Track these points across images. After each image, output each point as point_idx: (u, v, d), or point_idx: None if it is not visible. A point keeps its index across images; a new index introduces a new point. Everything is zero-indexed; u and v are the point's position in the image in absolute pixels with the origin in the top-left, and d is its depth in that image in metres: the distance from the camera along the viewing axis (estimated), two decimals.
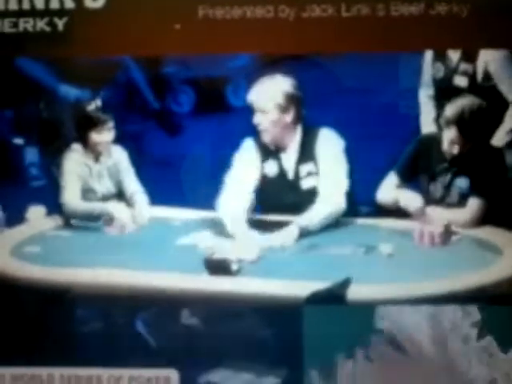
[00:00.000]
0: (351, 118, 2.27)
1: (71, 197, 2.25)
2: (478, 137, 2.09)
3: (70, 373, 1.88)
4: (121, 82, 2.33)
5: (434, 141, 2.16)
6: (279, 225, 2.13)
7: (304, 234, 2.09)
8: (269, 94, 2.13)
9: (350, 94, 2.26)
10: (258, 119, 2.16)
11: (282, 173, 2.21)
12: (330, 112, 2.26)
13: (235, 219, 2.12)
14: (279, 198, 2.21)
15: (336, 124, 2.20)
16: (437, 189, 2.15)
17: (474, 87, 2.18)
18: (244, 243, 2.06)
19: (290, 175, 2.21)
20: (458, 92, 2.17)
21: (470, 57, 2.17)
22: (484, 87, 2.17)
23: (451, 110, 2.09)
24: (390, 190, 2.17)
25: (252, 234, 2.10)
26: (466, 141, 2.08)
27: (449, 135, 2.09)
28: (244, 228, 2.11)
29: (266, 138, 2.19)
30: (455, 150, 2.09)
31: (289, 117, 2.17)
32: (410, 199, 2.12)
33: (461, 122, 2.07)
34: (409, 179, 2.18)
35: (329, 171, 2.17)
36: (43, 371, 1.89)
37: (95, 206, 2.26)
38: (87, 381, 1.88)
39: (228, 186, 2.18)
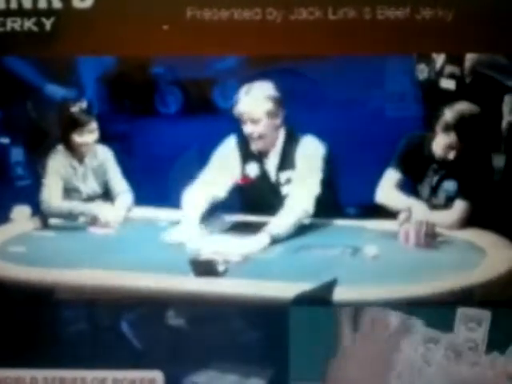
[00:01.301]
0: (338, 120, 2.32)
1: (51, 196, 2.27)
2: (475, 143, 2.13)
3: (54, 375, 1.89)
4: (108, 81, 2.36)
5: (424, 141, 2.20)
6: (254, 227, 2.16)
7: (275, 240, 2.13)
8: (258, 103, 2.19)
9: (336, 97, 2.31)
10: (249, 129, 2.20)
11: (264, 175, 2.26)
12: (317, 114, 2.30)
13: (189, 217, 2.15)
14: (260, 199, 2.26)
15: (322, 126, 2.26)
16: (423, 189, 2.20)
17: (462, 89, 2.23)
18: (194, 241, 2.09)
19: (272, 179, 2.26)
20: (445, 94, 2.22)
21: (456, 59, 2.23)
22: (473, 89, 2.22)
23: (451, 114, 2.12)
24: (389, 188, 2.19)
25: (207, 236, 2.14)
26: (463, 146, 2.12)
27: (447, 140, 2.13)
28: (194, 229, 2.14)
29: (258, 145, 2.23)
30: (451, 155, 2.14)
31: (278, 120, 2.22)
32: (400, 203, 2.15)
33: (460, 127, 2.11)
34: (407, 171, 2.20)
35: (301, 176, 2.22)
36: (26, 374, 1.89)
37: (75, 206, 2.28)
38: (72, 383, 1.89)
39: (198, 180, 2.22)
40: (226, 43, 1.94)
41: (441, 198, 2.17)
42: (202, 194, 2.21)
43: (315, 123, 2.27)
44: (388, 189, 2.19)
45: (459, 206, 2.14)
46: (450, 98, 2.23)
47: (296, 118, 2.27)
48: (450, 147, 2.13)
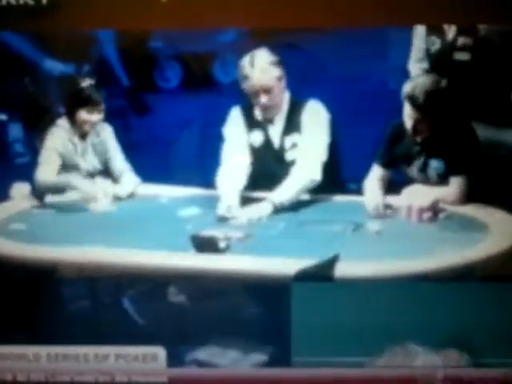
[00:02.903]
0: (339, 93, 2.32)
1: (45, 173, 2.28)
2: (441, 116, 2.15)
3: (57, 351, 1.93)
4: (106, 56, 2.36)
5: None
6: (258, 200, 2.20)
7: (278, 209, 2.17)
8: (267, 72, 2.22)
9: (338, 70, 2.31)
10: (264, 99, 2.23)
11: (267, 143, 2.29)
12: (318, 88, 2.31)
13: (231, 196, 2.18)
14: (264, 168, 2.28)
15: (323, 100, 2.27)
16: (413, 173, 2.22)
17: (476, 60, 2.23)
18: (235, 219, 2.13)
19: (276, 146, 2.28)
20: (457, 66, 2.23)
21: (468, 30, 2.22)
22: (487, 60, 2.22)
23: (407, 86, 2.16)
24: (373, 183, 2.23)
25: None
26: (419, 116, 2.14)
27: (406, 110, 2.16)
28: (237, 206, 2.17)
29: (268, 114, 2.26)
30: (408, 124, 2.16)
31: (283, 83, 2.25)
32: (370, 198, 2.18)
33: (412, 97, 2.13)
34: (390, 166, 2.25)
35: (308, 142, 2.25)
36: (30, 350, 1.93)
37: (61, 179, 2.29)
38: (74, 359, 1.93)
39: (224, 163, 2.25)
40: (227, 16, 1.95)
41: (432, 176, 2.20)
42: (235, 171, 2.24)
43: (316, 97, 2.28)
44: (372, 183, 2.22)
45: (455, 182, 2.16)
46: (461, 69, 2.24)
47: (297, 91, 2.28)
48: (409, 116, 2.15)
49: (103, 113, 2.31)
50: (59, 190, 2.28)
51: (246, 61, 2.23)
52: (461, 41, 2.25)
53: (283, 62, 2.23)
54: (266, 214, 2.16)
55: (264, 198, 2.21)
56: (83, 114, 2.31)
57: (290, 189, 2.20)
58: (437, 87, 2.16)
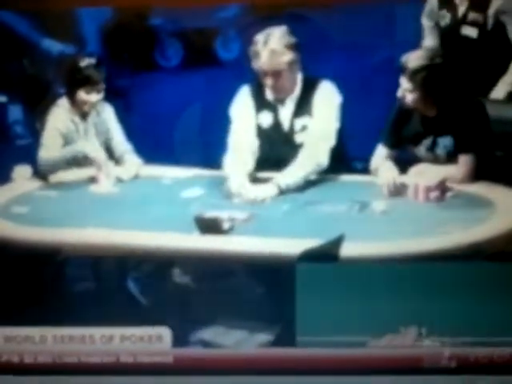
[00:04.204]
0: (347, 72, 2.31)
1: (49, 152, 2.29)
2: (425, 86, 2.14)
3: (63, 333, 1.97)
4: (105, 34, 2.35)
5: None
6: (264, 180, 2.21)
7: (283, 191, 2.17)
8: (279, 54, 2.16)
9: (343, 46, 2.29)
10: (271, 82, 2.20)
11: (277, 125, 2.27)
12: (323, 64, 2.30)
13: (239, 178, 2.18)
14: (272, 149, 2.27)
15: (329, 76, 2.25)
16: (421, 152, 2.22)
17: (483, 38, 2.21)
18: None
19: (285, 128, 2.27)
20: (465, 42, 2.21)
21: (479, 6, 2.20)
22: (494, 38, 2.20)
23: (403, 58, 2.15)
24: (379, 162, 2.23)
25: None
26: (412, 89, 2.13)
27: (405, 85, 2.16)
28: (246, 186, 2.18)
29: (277, 95, 2.23)
30: (400, 93, 2.16)
31: (296, 66, 2.21)
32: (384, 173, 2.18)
33: (404, 69, 2.14)
34: (396, 146, 2.24)
35: (318, 126, 2.23)
36: (36, 332, 1.97)
37: (67, 150, 2.30)
38: (80, 340, 1.97)
39: (231, 144, 2.24)
40: None
41: (441, 155, 2.20)
42: (243, 152, 2.22)
43: (321, 73, 2.27)
44: (377, 162, 2.22)
45: (464, 160, 2.16)
46: (470, 46, 2.22)
47: (301, 68, 2.27)
48: (404, 90, 2.14)
49: (103, 92, 2.31)
50: (65, 164, 2.29)
51: (260, 37, 2.18)
52: (470, 16, 2.22)
53: (300, 45, 2.18)
54: (270, 196, 2.17)
55: (270, 178, 2.21)
56: (82, 94, 2.31)
57: (296, 172, 2.20)
58: (431, 61, 2.15)
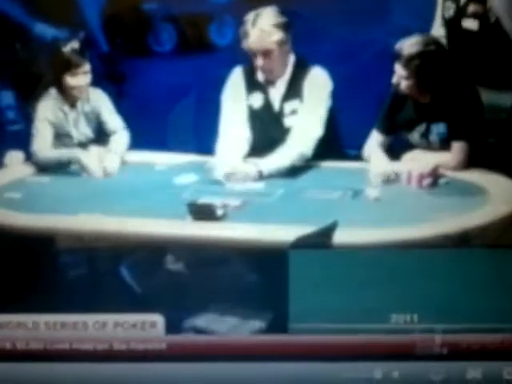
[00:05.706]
0: (339, 57, 2.33)
1: (41, 146, 2.31)
2: (417, 72, 2.17)
3: (56, 319, 1.98)
4: (96, 19, 2.36)
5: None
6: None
7: (264, 177, 2.20)
8: (268, 34, 2.19)
9: (337, 33, 2.31)
10: (260, 62, 2.22)
11: (267, 106, 2.29)
12: (317, 51, 2.31)
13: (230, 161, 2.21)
14: (261, 131, 2.30)
15: (322, 63, 2.27)
16: (415, 139, 2.25)
17: (485, 30, 2.23)
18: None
19: (275, 110, 2.29)
20: (467, 35, 2.23)
21: None
22: (496, 30, 2.21)
23: (397, 45, 2.18)
24: (376, 149, 2.26)
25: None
26: (405, 76, 2.16)
27: (399, 72, 2.19)
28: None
29: (268, 76, 2.25)
30: (394, 80, 2.19)
31: (287, 46, 2.23)
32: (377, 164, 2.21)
33: (398, 56, 2.17)
34: (390, 132, 2.27)
35: (307, 115, 2.26)
36: (28, 318, 1.98)
37: (63, 153, 2.33)
38: (73, 326, 1.98)
39: (223, 125, 2.26)
40: None
41: (435, 142, 2.23)
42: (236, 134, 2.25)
43: (315, 60, 2.29)
44: (371, 149, 2.25)
45: (456, 147, 2.19)
46: (471, 38, 2.24)
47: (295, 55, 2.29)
48: (398, 76, 2.17)
49: (89, 75, 2.32)
50: (58, 164, 2.31)
51: (249, 17, 2.20)
52: (471, 8, 2.24)
53: (290, 25, 2.21)
54: (250, 180, 2.19)
55: (253, 162, 2.23)
56: (68, 79, 2.32)
57: (278, 160, 2.23)
58: (426, 48, 2.17)
